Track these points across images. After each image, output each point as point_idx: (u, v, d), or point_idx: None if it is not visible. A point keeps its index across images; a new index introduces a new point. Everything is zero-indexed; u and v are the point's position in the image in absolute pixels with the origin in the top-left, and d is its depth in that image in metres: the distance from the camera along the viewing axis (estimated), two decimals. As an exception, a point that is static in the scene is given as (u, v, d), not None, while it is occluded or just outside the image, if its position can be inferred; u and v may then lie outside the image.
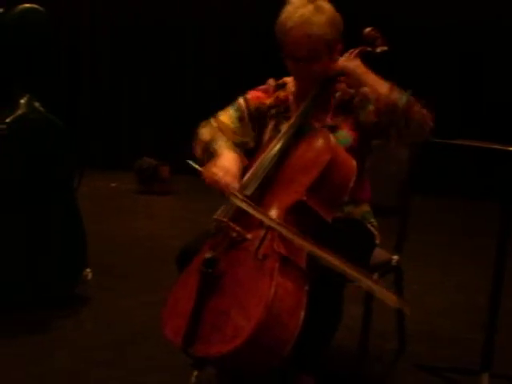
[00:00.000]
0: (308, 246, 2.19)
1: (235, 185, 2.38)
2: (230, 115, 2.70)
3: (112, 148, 7.98)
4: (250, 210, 2.30)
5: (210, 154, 2.57)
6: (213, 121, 2.70)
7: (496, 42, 6.76)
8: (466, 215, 6.31)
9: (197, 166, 2.46)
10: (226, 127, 2.67)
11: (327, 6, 2.52)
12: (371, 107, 2.50)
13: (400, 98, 2.39)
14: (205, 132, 2.66)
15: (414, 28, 6.85)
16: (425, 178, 6.11)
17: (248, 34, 7.38)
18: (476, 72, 6.92)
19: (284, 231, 2.23)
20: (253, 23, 7.27)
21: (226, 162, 2.47)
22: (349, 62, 2.52)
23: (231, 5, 7.53)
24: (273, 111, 2.69)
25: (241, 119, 2.69)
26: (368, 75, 2.48)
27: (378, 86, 2.44)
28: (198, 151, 2.64)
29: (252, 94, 2.72)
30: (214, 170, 2.43)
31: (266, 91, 2.73)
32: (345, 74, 2.56)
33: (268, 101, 2.70)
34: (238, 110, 2.71)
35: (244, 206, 2.31)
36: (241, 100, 2.72)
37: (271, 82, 2.75)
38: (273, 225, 2.25)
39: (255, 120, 2.70)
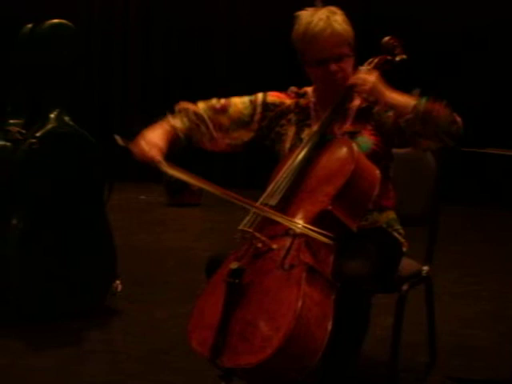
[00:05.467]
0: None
1: (159, 157, 2.50)
2: (243, 98, 2.73)
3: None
4: (184, 177, 2.44)
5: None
6: (223, 99, 2.71)
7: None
8: (497, 224, 6.25)
9: (123, 143, 2.54)
10: (234, 103, 2.69)
11: (338, 10, 2.58)
12: (391, 113, 2.50)
13: (419, 102, 2.39)
14: (198, 104, 2.70)
15: (441, 33, 6.83)
16: (454, 186, 6.09)
17: (280, 39, 7.39)
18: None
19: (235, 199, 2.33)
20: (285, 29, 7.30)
21: (153, 136, 2.57)
22: (368, 76, 2.50)
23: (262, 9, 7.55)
24: (292, 117, 2.69)
25: (252, 102, 2.71)
26: (385, 91, 2.46)
27: (396, 100, 2.44)
28: (177, 108, 2.72)
29: (272, 92, 2.74)
30: (142, 144, 2.55)
31: (286, 94, 2.75)
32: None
33: (288, 101, 2.71)
34: (254, 96, 2.73)
35: (173, 172, 2.46)
36: (259, 93, 2.74)
37: (293, 88, 2.76)
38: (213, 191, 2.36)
39: (268, 112, 2.70)
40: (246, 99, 2.72)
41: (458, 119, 2.40)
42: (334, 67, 2.53)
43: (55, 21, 3.63)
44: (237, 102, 2.71)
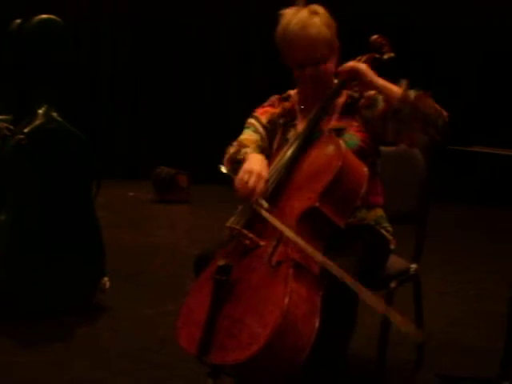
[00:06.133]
0: (326, 263, 2.19)
1: (261, 197, 2.34)
2: (247, 132, 2.69)
3: (130, 157, 8.02)
4: (272, 221, 2.29)
5: (236, 166, 2.53)
6: (234, 143, 2.68)
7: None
8: (484, 222, 6.27)
9: (228, 172, 2.47)
10: (248, 140, 2.66)
11: (320, 9, 2.56)
12: (379, 107, 2.51)
13: (410, 93, 2.41)
14: (229, 149, 2.66)
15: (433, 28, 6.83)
16: (443, 185, 6.11)
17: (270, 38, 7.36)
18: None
19: (302, 244, 2.22)
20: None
21: (254, 165, 2.42)
22: (358, 64, 2.53)
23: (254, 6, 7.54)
24: (281, 121, 2.70)
25: (256, 132, 2.69)
26: (377, 77, 2.49)
27: (388, 86, 2.46)
28: (227, 166, 2.61)
29: (259, 111, 2.75)
30: (244, 176, 2.38)
31: (271, 105, 2.75)
32: (355, 77, 2.57)
33: (277, 110, 2.72)
34: (252, 126, 2.71)
35: (267, 216, 2.30)
36: (250, 119, 2.73)
37: (274, 97, 2.77)
38: (292, 237, 2.25)
39: (270, 132, 2.70)
40: (250, 132, 2.68)
41: (445, 113, 2.42)
42: (309, 71, 2.54)
43: (44, 16, 3.62)
44: (246, 137, 2.66)
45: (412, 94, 2.40)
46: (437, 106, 2.41)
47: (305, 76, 2.55)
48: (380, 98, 2.51)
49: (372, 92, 2.55)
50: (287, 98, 2.74)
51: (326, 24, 2.53)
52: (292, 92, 2.74)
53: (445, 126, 2.41)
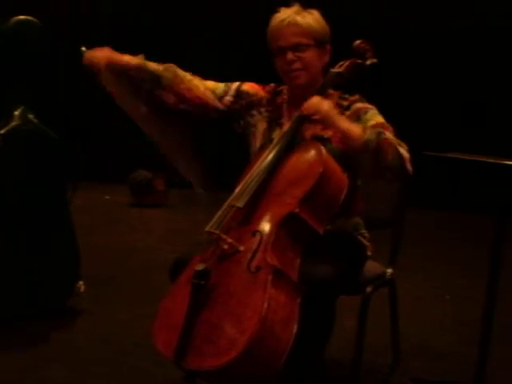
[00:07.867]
0: None
1: (103, 65, 2.64)
2: (218, 82, 2.78)
3: (106, 160, 7.97)
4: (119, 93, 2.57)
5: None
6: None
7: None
8: (461, 228, 6.31)
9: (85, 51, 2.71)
10: (207, 82, 2.75)
11: (314, 11, 2.61)
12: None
13: (371, 139, 2.37)
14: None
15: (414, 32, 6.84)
16: (419, 190, 6.13)
17: (249, 38, 7.33)
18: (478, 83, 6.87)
19: None
20: (254, 26, 7.25)
21: (114, 51, 2.74)
22: (321, 105, 2.45)
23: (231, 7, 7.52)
24: (264, 112, 2.70)
25: (226, 85, 2.75)
26: (339, 119, 2.45)
27: (350, 129, 2.42)
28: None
29: (248, 83, 2.77)
30: (96, 50, 2.69)
31: (263, 86, 2.76)
32: (336, 84, 2.58)
33: (262, 93, 2.73)
34: (229, 83, 2.77)
35: (109, 85, 2.60)
36: (237, 82, 2.77)
37: (271, 85, 2.76)
38: None
39: (240, 99, 2.72)
40: (220, 84, 2.76)
41: (405, 154, 2.40)
42: (290, 56, 2.54)
43: (21, 17, 3.59)
44: (210, 82, 2.76)
45: (375, 140, 2.36)
46: (397, 146, 2.38)
47: (286, 61, 2.55)
48: (370, 112, 2.52)
49: (359, 105, 2.55)
50: (279, 93, 2.73)
51: (317, 21, 2.58)
52: (284, 87, 2.73)
53: (401, 166, 2.39)
